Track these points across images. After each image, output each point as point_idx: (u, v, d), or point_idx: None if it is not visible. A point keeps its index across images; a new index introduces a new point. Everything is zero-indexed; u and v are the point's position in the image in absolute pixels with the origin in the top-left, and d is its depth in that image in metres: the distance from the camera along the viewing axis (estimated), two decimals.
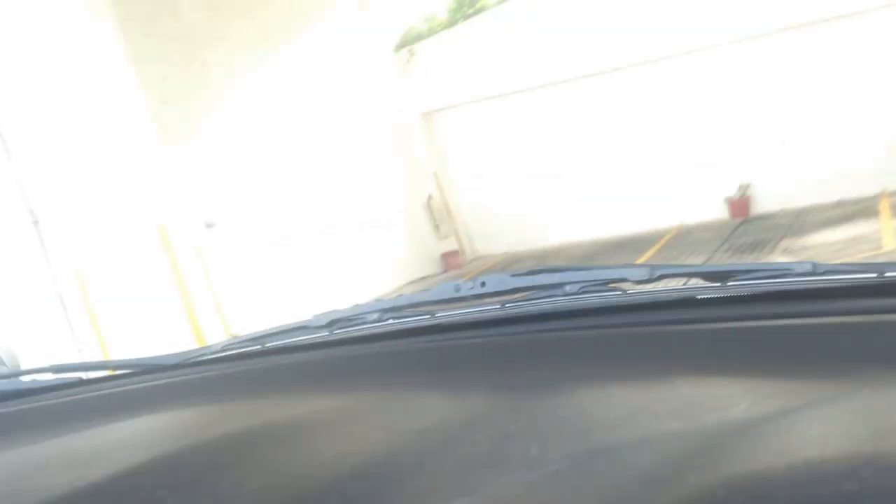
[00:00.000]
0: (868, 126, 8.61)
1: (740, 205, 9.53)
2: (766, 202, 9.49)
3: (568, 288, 1.08)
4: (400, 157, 11.37)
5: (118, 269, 6.43)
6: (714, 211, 9.70)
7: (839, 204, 8.66)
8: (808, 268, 0.94)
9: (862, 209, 8.11)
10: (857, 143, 8.70)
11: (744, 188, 9.57)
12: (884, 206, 7.92)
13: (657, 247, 9.06)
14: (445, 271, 11.15)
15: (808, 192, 9.04)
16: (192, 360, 1.26)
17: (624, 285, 1.07)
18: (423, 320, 1.17)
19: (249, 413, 0.89)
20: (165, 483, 0.66)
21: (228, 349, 1.26)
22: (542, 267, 1.14)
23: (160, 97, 7.70)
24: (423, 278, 10.69)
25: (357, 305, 1.25)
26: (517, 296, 1.13)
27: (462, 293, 1.13)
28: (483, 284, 1.12)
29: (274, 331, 1.26)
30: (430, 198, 11.58)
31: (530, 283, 1.12)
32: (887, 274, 0.90)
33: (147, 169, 6.20)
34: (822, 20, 8.66)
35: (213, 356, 1.25)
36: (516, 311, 1.10)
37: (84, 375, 1.31)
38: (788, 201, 9.23)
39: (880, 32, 8.47)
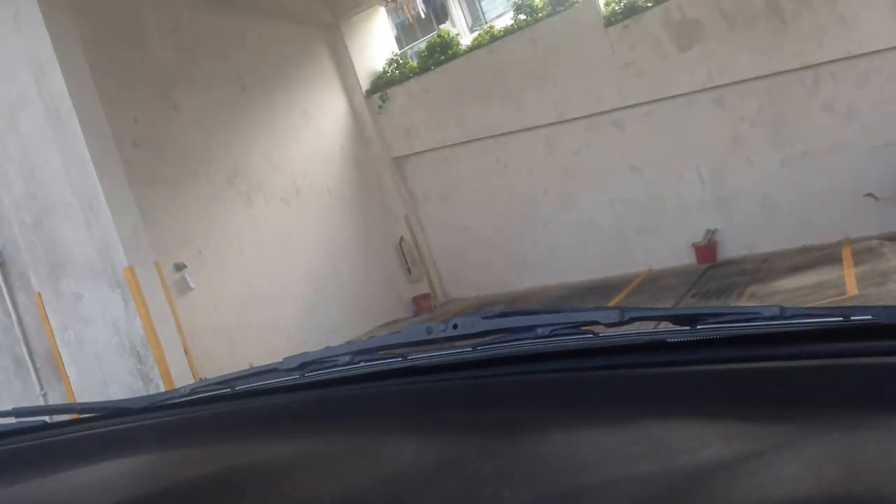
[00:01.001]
0: (831, 174, 8.82)
1: (707, 250, 9.66)
2: (732, 248, 9.63)
3: (539, 331, 1.08)
4: (371, 200, 11.41)
5: (86, 310, 6.32)
6: (681, 256, 9.81)
7: (804, 250, 8.81)
8: (775, 312, 0.96)
9: (826, 255, 8.26)
10: (821, 190, 8.90)
11: (710, 234, 9.71)
12: (846, 252, 8.08)
13: (626, 291, 9.13)
14: (417, 314, 11.12)
15: (774, 238, 9.21)
16: (159, 404, 1.23)
17: (595, 328, 1.08)
18: (394, 363, 1.16)
19: (218, 457, 0.87)
20: None
21: (197, 392, 1.24)
22: (514, 309, 1.15)
23: (131, 139, 7.69)
24: (394, 321, 10.64)
25: (328, 348, 1.24)
26: (489, 338, 1.13)
27: (434, 335, 1.12)
28: (455, 327, 1.12)
29: (243, 374, 1.24)
30: (401, 241, 11.60)
31: (502, 326, 1.12)
32: (853, 318, 0.91)
33: (117, 209, 6.12)
34: (791, 69, 8.92)
35: (182, 400, 1.22)
36: (488, 353, 1.10)
37: (49, 419, 1.28)
38: (754, 247, 9.38)
39: (843, 84, 8.74)
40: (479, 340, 1.13)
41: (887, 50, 8.37)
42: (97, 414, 1.25)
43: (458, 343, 1.14)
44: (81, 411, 1.29)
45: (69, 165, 6.13)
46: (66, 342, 6.47)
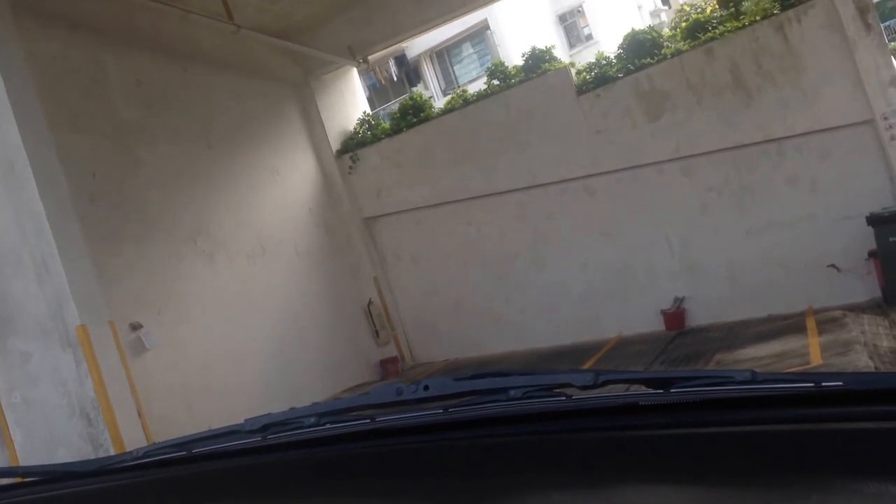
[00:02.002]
0: (795, 245, 9.00)
1: (675, 317, 9.75)
2: (700, 315, 9.72)
3: (512, 392, 1.06)
4: (340, 260, 11.35)
5: (35, 370, 6.12)
6: (650, 323, 9.87)
7: (769, 319, 8.92)
8: (747, 376, 0.96)
9: (790, 325, 8.37)
10: (785, 260, 9.06)
11: (678, 301, 9.81)
12: (810, 322, 8.19)
13: (596, 357, 9.13)
14: (384, 378, 10.97)
15: (740, 307, 9.31)
16: (110, 467, 1.17)
17: (568, 390, 1.06)
18: (362, 425, 1.13)
19: None
20: None
21: (150, 455, 1.18)
22: (486, 371, 1.13)
23: (88, 194, 7.56)
24: (360, 385, 10.48)
25: (293, 409, 1.20)
26: (460, 400, 1.11)
27: (404, 396, 1.10)
28: (426, 388, 1.09)
29: (201, 435, 1.19)
30: (370, 303, 11.52)
31: (473, 388, 1.10)
32: (824, 384, 0.91)
33: (70, 265, 5.98)
34: (756, 142, 9.18)
35: (134, 463, 1.17)
36: (459, 415, 1.07)
37: None
38: (721, 315, 9.47)
39: (807, 157, 8.99)
40: (451, 402, 1.11)
41: (849, 126, 8.67)
42: (42, 478, 1.18)
43: (428, 405, 1.12)
44: (25, 475, 1.23)
45: (22, 219, 5.99)
46: (12, 404, 6.23)
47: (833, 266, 8.79)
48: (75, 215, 6.26)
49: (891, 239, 8.05)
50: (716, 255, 9.58)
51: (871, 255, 8.40)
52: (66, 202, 6.20)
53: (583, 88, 10.10)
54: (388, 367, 11.19)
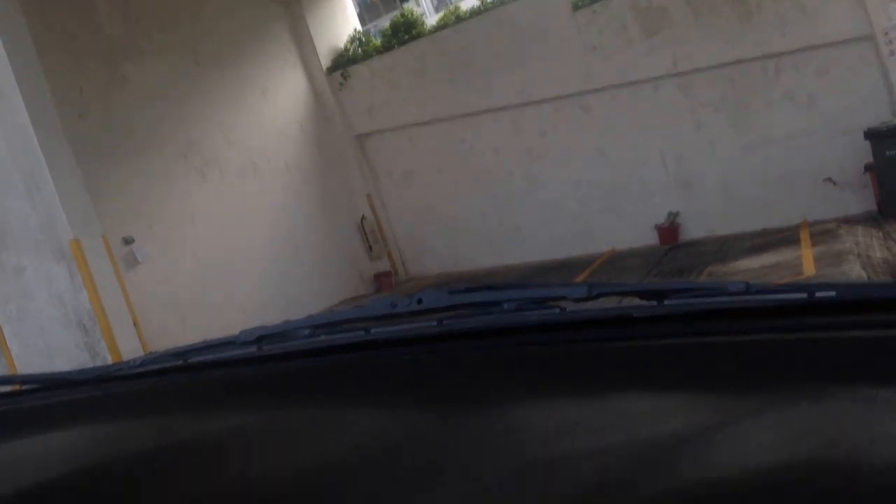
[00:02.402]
0: (791, 160, 8.97)
1: (669, 232, 9.79)
2: (694, 230, 9.77)
3: (506, 305, 1.07)
4: (332, 177, 11.29)
5: (29, 284, 6.15)
6: (644, 237, 9.93)
7: (763, 233, 8.98)
8: (741, 287, 0.96)
9: (784, 237, 8.43)
10: (781, 175, 9.04)
11: (672, 216, 9.83)
12: (804, 234, 8.25)
13: (589, 271, 9.20)
14: (378, 292, 11.09)
15: (734, 221, 9.35)
16: (108, 376, 1.18)
17: (562, 303, 1.07)
18: (356, 337, 1.13)
19: (169, 430, 0.83)
20: (81, 499, 0.61)
21: (147, 364, 1.19)
22: (480, 284, 1.13)
23: (77, 110, 7.46)
24: (354, 298, 10.60)
25: (288, 321, 1.20)
26: (454, 313, 1.11)
27: (398, 309, 1.10)
28: (420, 301, 1.10)
29: (197, 346, 1.20)
30: (363, 218, 11.53)
31: (468, 301, 1.10)
32: (817, 294, 0.91)
33: (61, 180, 5.94)
34: (754, 58, 9.02)
35: (131, 372, 1.18)
36: (453, 328, 1.08)
37: None
38: (715, 229, 9.53)
39: (804, 73, 8.86)
40: (445, 315, 1.11)
41: (848, 41, 8.51)
42: (40, 386, 1.20)
43: (422, 317, 1.12)
44: (24, 382, 1.24)
45: (9, 134, 5.93)
46: (8, 316, 6.30)
47: (829, 180, 8.80)
48: (62, 130, 6.19)
49: (888, 153, 8.06)
50: (711, 171, 9.56)
51: (868, 168, 8.43)
52: (54, 117, 6.12)
53: (578, 4, 9.85)
54: (381, 280, 11.30)
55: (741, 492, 0.33)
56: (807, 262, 7.08)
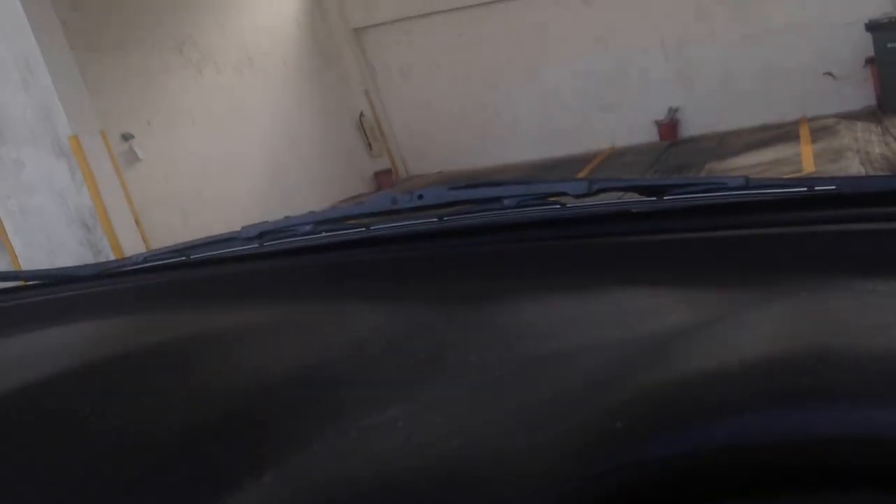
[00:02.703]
0: (792, 52, 8.77)
1: (669, 128, 9.68)
2: (693, 125, 9.66)
3: (506, 202, 1.06)
4: (330, 72, 11.05)
5: (29, 179, 6.13)
6: (644, 133, 9.82)
7: (762, 128, 8.89)
8: (741, 182, 0.95)
9: (784, 133, 8.35)
10: (781, 68, 8.86)
11: (673, 111, 9.70)
12: (804, 130, 8.17)
13: (588, 169, 9.16)
14: (378, 191, 11.05)
15: (734, 116, 9.23)
16: (111, 271, 1.19)
17: (562, 199, 1.06)
18: (357, 233, 1.14)
19: (174, 324, 0.85)
20: (85, 392, 0.62)
21: (150, 260, 1.20)
22: (481, 181, 1.12)
23: (70, 1, 7.22)
24: (354, 197, 10.58)
25: (289, 217, 1.20)
26: (455, 209, 1.11)
27: (399, 205, 1.10)
28: (420, 197, 1.09)
29: (199, 242, 1.20)
30: (361, 115, 11.35)
31: (468, 197, 1.10)
32: (817, 188, 0.91)
33: (56, 72, 5.81)
34: None
35: (134, 267, 1.19)
36: (454, 224, 1.08)
37: None
38: (714, 125, 9.41)
39: None
40: (445, 211, 1.11)
41: None
42: (44, 281, 1.21)
43: (423, 214, 1.12)
44: (29, 279, 1.25)
45: (5, 27, 5.76)
46: (9, 212, 6.31)
47: (829, 73, 8.64)
48: (57, 21, 6.00)
49: (889, 45, 7.91)
50: (711, 63, 9.37)
51: (869, 61, 8.29)
52: (48, 8, 5.93)
53: None
54: (381, 179, 11.24)
55: (741, 380, 0.34)
56: (806, 158, 7.04)
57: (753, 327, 0.42)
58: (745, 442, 0.32)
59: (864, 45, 8.11)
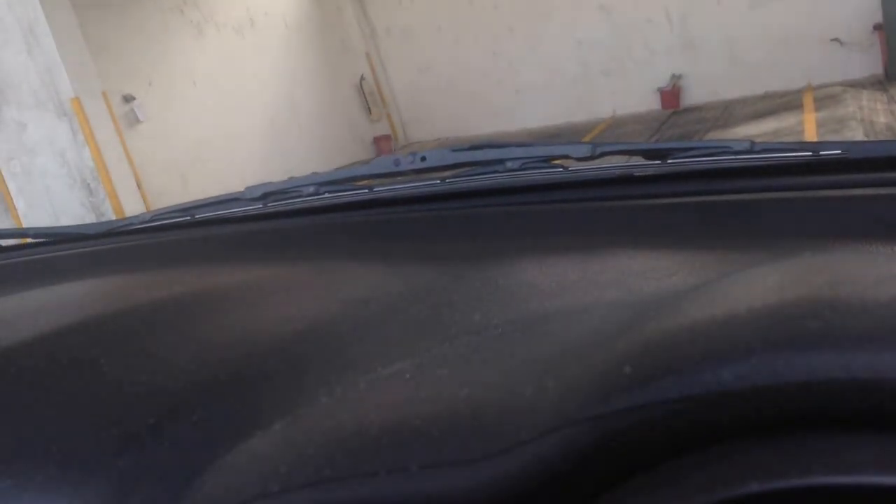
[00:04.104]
0: (798, 18, 8.67)
1: (672, 96, 9.61)
2: (696, 94, 9.59)
3: (509, 164, 1.07)
4: (331, 34, 10.93)
5: (32, 140, 6.11)
6: (646, 102, 9.75)
7: (766, 96, 8.82)
8: (745, 146, 0.95)
9: (787, 102, 8.29)
10: (787, 35, 8.77)
11: (675, 79, 9.62)
12: (808, 99, 8.11)
13: (591, 136, 9.12)
14: (377, 155, 11.01)
15: (738, 85, 9.16)
16: (118, 230, 1.20)
17: (565, 162, 1.06)
18: (360, 194, 1.14)
19: (181, 280, 0.85)
20: (98, 342, 0.63)
21: (156, 220, 1.21)
22: (484, 143, 1.12)
23: None
24: (355, 163, 10.54)
25: (292, 178, 1.21)
26: (458, 171, 1.11)
27: (401, 167, 1.10)
28: (423, 159, 1.09)
29: (204, 202, 1.21)
30: (362, 79, 11.26)
31: (471, 159, 1.10)
32: (822, 153, 0.91)
33: (60, 34, 5.76)
34: None
35: (140, 226, 1.19)
36: (456, 186, 1.08)
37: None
38: (718, 93, 9.35)
39: None
40: (448, 173, 1.11)
41: None
42: (51, 239, 1.21)
43: (426, 176, 1.12)
44: (35, 236, 1.26)
45: None
46: (12, 173, 6.30)
47: (836, 40, 8.54)
48: None
49: None
50: (715, 31, 9.27)
51: (877, 28, 8.18)
52: None
53: None
54: (381, 144, 11.20)
55: (750, 326, 0.35)
56: (809, 127, 7.01)
57: (760, 279, 0.43)
58: (753, 384, 0.33)
59: (873, 11, 8.02)
